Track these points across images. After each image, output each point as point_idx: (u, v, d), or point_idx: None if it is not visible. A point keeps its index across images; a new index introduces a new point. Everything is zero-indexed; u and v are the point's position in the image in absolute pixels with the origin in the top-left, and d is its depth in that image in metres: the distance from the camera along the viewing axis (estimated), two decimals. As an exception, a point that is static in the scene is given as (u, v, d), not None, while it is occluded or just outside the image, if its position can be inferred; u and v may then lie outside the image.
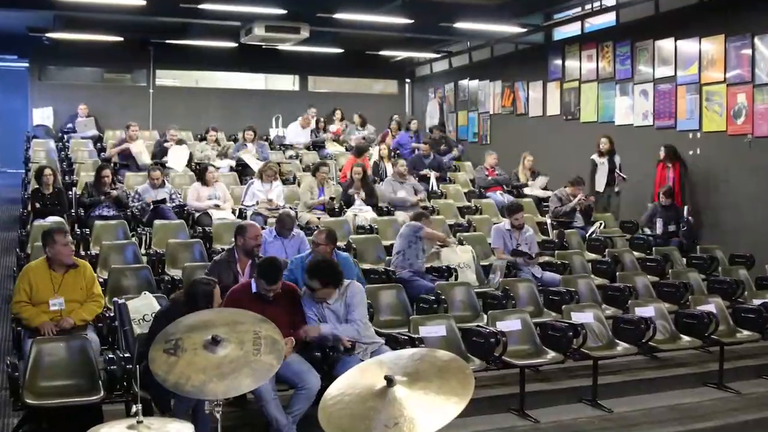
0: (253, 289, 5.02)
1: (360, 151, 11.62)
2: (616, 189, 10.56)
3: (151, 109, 15.07)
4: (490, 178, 11.29)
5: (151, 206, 8.69)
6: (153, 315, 5.05)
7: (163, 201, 8.78)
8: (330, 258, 5.72)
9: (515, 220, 7.83)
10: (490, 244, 8.65)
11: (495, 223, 9.61)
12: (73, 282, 5.32)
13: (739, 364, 6.78)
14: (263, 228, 7.23)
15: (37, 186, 8.67)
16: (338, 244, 7.39)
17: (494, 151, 11.81)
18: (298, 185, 10.19)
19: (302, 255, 6.16)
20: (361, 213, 9.30)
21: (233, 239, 6.18)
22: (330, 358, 5.02)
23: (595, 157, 10.61)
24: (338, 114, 14.79)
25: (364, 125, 14.38)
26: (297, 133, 13.50)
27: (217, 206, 8.96)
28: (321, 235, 6.13)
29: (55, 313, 5.18)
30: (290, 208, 8.87)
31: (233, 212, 9.12)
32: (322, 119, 14.30)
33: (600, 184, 10.50)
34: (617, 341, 6.17)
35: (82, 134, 13.08)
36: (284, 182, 10.27)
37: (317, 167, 9.64)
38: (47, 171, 8.59)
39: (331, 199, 9.39)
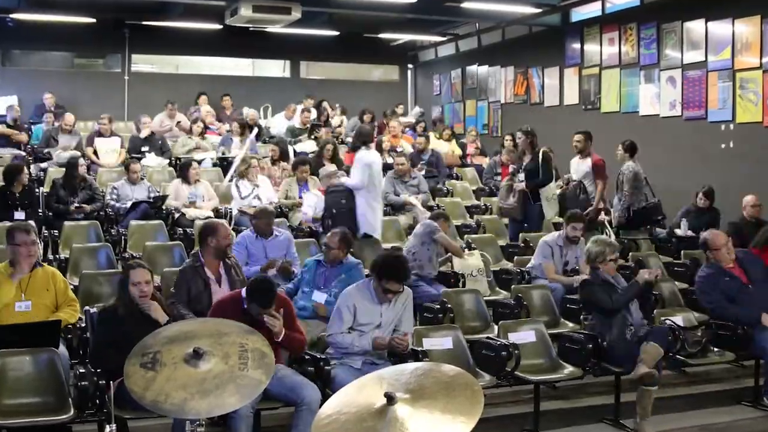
0: (244, 305, 4.97)
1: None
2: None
3: (126, 98, 15.09)
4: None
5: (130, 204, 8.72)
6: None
7: (153, 203, 8.77)
8: (400, 255, 5.89)
9: (572, 230, 7.40)
10: (501, 247, 8.67)
11: (507, 225, 9.65)
12: (40, 283, 5.32)
13: (776, 380, 6.76)
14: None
15: (4, 184, 8.72)
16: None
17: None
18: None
19: (314, 258, 6.35)
20: None
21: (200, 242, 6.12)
22: (324, 372, 5.02)
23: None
24: (326, 105, 14.67)
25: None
26: (283, 125, 13.49)
27: (192, 203, 8.92)
28: (334, 238, 6.17)
29: (22, 316, 5.17)
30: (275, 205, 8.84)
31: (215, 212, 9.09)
32: (325, 111, 14.24)
33: None
34: (642, 355, 6.15)
35: (49, 127, 13.07)
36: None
37: (296, 164, 9.60)
38: (26, 170, 8.79)
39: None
